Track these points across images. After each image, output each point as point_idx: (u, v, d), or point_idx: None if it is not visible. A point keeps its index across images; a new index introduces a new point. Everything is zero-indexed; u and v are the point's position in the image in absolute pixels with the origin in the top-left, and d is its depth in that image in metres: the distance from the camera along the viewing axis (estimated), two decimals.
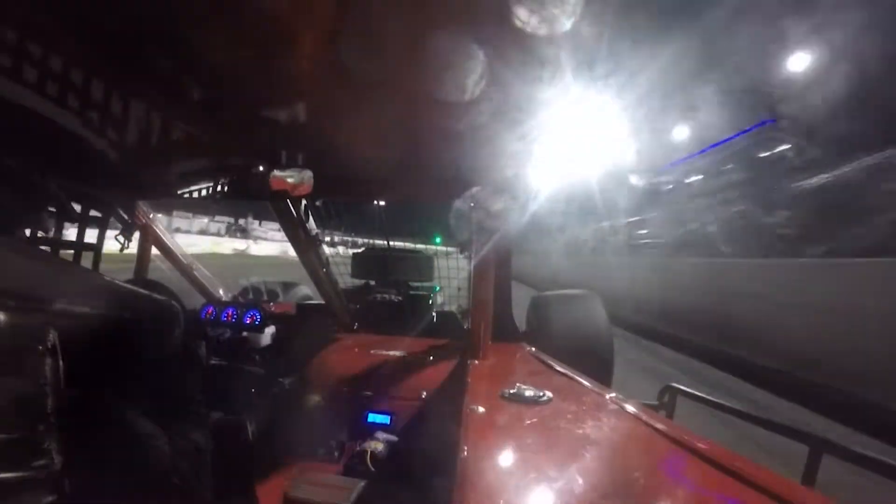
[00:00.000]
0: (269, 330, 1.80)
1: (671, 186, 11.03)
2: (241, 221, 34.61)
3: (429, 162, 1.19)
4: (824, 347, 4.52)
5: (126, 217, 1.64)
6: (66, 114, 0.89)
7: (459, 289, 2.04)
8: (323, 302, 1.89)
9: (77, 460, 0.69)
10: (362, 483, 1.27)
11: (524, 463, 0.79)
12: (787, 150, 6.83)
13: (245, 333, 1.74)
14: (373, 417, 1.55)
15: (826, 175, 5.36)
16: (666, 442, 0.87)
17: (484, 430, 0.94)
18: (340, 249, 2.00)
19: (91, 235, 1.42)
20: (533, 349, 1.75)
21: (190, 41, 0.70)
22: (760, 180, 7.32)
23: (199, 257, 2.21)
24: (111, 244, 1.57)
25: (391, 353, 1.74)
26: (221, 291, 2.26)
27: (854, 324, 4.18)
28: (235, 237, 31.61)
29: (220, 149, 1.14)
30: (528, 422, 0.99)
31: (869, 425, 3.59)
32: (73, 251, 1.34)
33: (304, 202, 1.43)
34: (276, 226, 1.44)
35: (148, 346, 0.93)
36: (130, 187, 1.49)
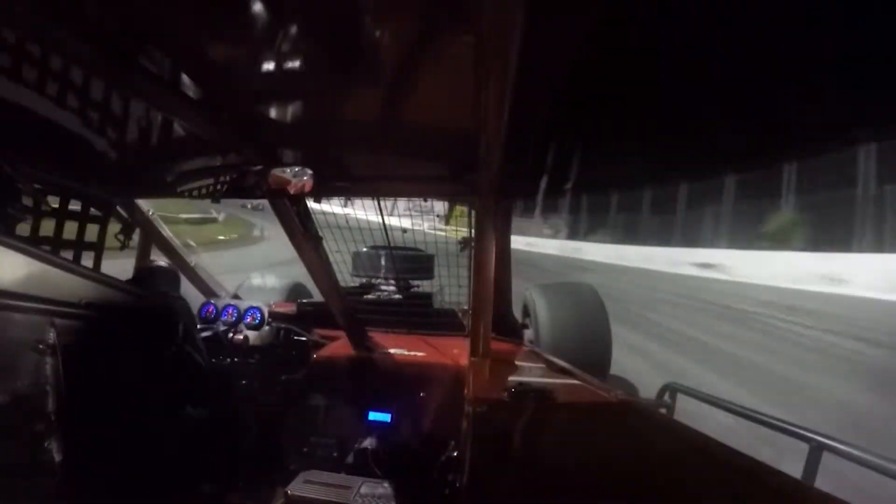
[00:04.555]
0: (270, 328, 1.80)
1: None
2: None
3: (429, 160, 1.18)
4: None
5: (126, 216, 1.64)
6: (66, 113, 0.89)
7: (460, 286, 2.04)
8: (323, 300, 1.89)
9: (77, 460, 0.70)
10: (363, 481, 1.27)
11: (526, 461, 0.80)
12: None
13: (245, 332, 1.74)
14: (373, 416, 1.55)
15: None
16: (668, 439, 0.87)
17: (485, 427, 0.94)
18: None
19: (91, 235, 1.42)
20: (534, 346, 1.75)
21: (190, 41, 0.70)
22: None
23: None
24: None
25: (392, 351, 1.74)
26: (222, 290, 2.27)
27: None
28: None
29: (219, 147, 1.13)
30: (530, 419, 0.99)
31: None
32: (73, 251, 1.34)
33: (303, 201, 1.42)
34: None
35: (148, 345, 0.93)
36: (130, 186, 1.49)
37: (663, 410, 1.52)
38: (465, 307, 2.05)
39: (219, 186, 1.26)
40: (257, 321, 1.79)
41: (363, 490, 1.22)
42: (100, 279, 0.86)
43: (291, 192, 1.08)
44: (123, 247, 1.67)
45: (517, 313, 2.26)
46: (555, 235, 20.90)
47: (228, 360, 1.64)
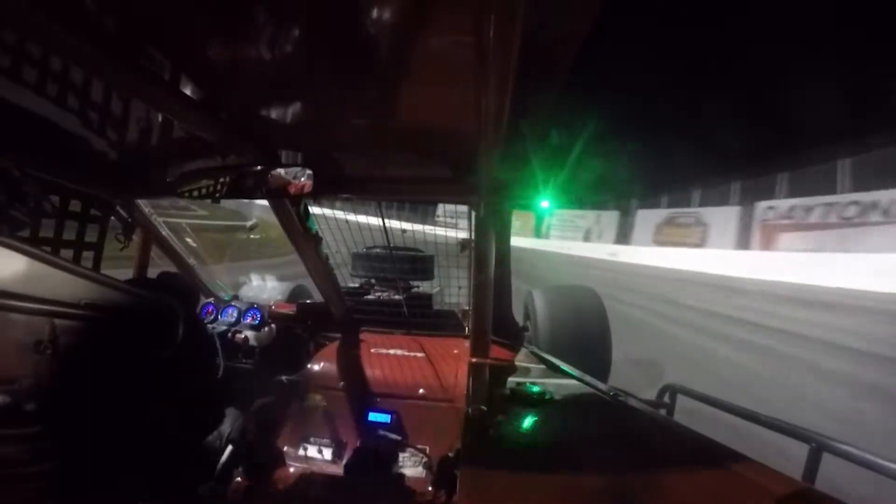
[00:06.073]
0: (270, 329, 1.80)
1: None
2: None
3: (429, 162, 1.18)
4: None
5: (126, 217, 1.64)
6: (66, 114, 0.89)
7: (460, 287, 2.04)
8: (323, 301, 1.89)
9: (76, 461, 0.70)
10: (363, 482, 1.27)
11: (525, 461, 0.79)
12: None
13: (245, 332, 1.74)
14: (373, 416, 1.55)
15: None
16: (667, 439, 0.87)
17: (485, 428, 0.94)
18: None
19: (91, 235, 1.42)
20: (534, 347, 1.75)
21: (190, 41, 0.70)
22: None
23: None
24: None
25: (392, 352, 1.74)
26: (222, 290, 2.27)
27: None
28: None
29: (219, 148, 1.14)
30: (529, 420, 0.99)
31: None
32: (73, 251, 1.34)
33: (304, 202, 1.42)
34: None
35: (147, 346, 0.93)
36: (130, 187, 1.49)
37: (663, 411, 1.52)
38: (465, 308, 2.06)
39: (219, 187, 1.26)
40: (257, 321, 1.79)
41: (362, 490, 1.22)
42: (100, 279, 0.86)
43: (291, 192, 1.08)
44: (124, 247, 1.67)
45: (517, 315, 2.27)
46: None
47: (228, 360, 1.64)
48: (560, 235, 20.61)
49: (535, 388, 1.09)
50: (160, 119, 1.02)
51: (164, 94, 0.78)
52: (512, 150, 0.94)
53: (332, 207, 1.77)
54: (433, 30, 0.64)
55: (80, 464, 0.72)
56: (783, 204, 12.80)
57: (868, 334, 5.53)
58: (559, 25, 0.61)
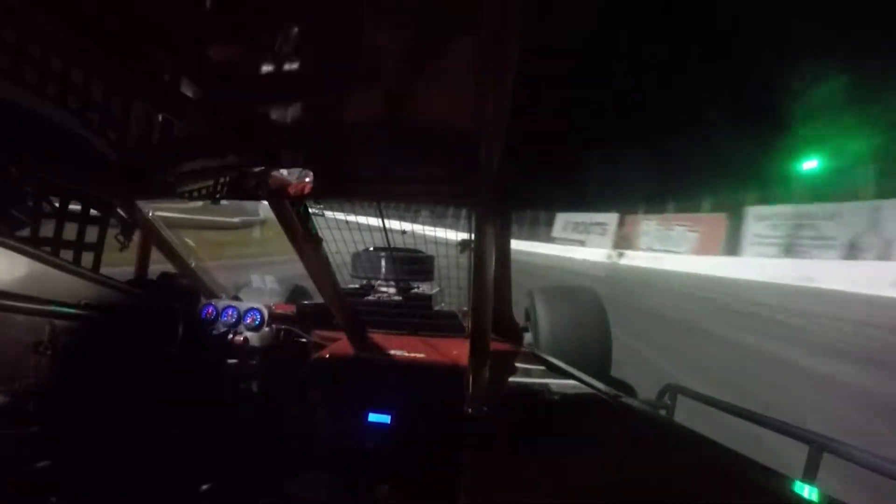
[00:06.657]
0: (270, 330, 1.80)
1: None
2: None
3: (430, 163, 1.19)
4: None
5: (126, 217, 1.64)
6: (66, 113, 0.89)
7: (460, 288, 2.03)
8: (323, 301, 1.89)
9: (76, 460, 0.69)
10: (363, 483, 1.27)
11: (525, 461, 0.79)
12: None
13: (245, 333, 1.74)
14: (373, 417, 1.55)
15: None
16: (667, 439, 0.87)
17: (485, 429, 0.94)
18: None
19: (91, 235, 1.42)
20: (534, 348, 1.75)
21: (190, 41, 0.70)
22: None
23: None
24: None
25: (391, 352, 1.74)
26: (222, 291, 2.27)
27: None
28: None
29: (219, 148, 1.14)
30: (530, 420, 0.99)
31: None
32: (73, 251, 1.34)
33: (304, 202, 1.43)
34: None
35: (147, 346, 0.93)
36: (130, 187, 1.49)
37: (663, 411, 1.52)
38: (466, 309, 2.05)
39: (219, 187, 1.27)
40: (257, 322, 1.79)
41: (362, 491, 1.22)
42: (99, 280, 0.86)
43: (291, 193, 1.08)
44: (123, 248, 1.67)
45: (518, 317, 2.26)
46: None
47: (228, 361, 1.64)
48: (782, 250, 11.63)
49: (536, 389, 1.09)
50: (160, 119, 1.02)
51: (164, 94, 0.78)
52: (513, 151, 0.94)
53: (333, 209, 1.77)
54: (433, 29, 0.64)
55: (79, 464, 0.72)
56: None
57: None
58: (560, 24, 0.61)
